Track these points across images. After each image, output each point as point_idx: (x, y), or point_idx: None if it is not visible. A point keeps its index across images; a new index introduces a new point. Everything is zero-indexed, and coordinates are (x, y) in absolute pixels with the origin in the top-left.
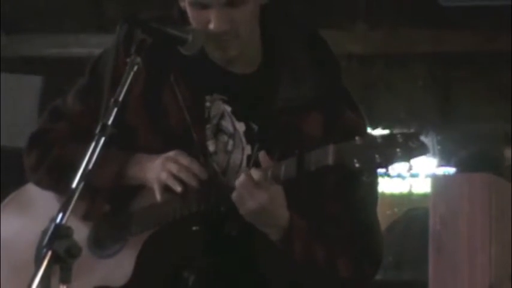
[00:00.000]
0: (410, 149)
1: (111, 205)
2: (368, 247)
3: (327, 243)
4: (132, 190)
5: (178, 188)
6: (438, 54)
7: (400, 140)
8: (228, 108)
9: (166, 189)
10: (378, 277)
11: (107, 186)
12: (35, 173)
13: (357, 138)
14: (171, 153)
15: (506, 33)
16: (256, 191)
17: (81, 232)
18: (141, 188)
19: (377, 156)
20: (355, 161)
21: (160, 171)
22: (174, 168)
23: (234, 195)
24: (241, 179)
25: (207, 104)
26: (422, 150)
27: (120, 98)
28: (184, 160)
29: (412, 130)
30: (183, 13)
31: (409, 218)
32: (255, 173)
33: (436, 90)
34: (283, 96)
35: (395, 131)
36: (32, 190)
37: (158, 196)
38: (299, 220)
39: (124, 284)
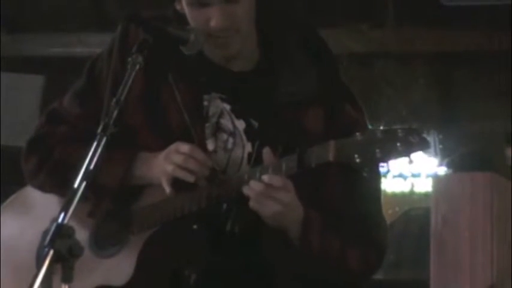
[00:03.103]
0: (410, 144)
1: (115, 205)
2: (373, 239)
3: (340, 235)
4: (135, 190)
5: (190, 178)
6: (439, 53)
7: (401, 134)
8: (227, 107)
9: (174, 182)
10: (379, 276)
11: (114, 186)
12: (35, 177)
13: (357, 133)
14: (173, 146)
15: (506, 33)
16: (279, 192)
17: (82, 232)
18: (143, 187)
19: (377, 151)
20: (356, 156)
21: (165, 164)
22: (178, 159)
23: (253, 203)
24: (255, 186)
25: (205, 102)
26: (422, 145)
27: (122, 98)
28: (186, 148)
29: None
30: (179, 16)
31: (408, 217)
32: (274, 178)
33: (437, 89)
34: (282, 92)
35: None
36: (33, 191)
37: (167, 189)
38: (313, 212)
39: (125, 283)
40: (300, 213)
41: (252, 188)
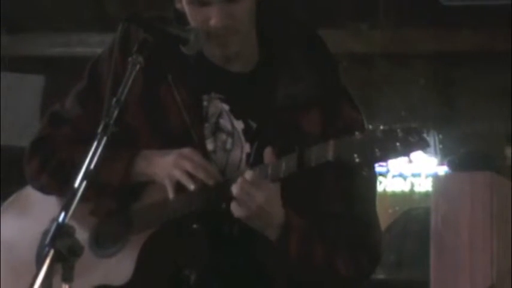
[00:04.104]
0: (410, 144)
1: (117, 203)
2: (367, 243)
3: (326, 241)
4: (136, 189)
5: (191, 186)
6: (439, 53)
7: (400, 134)
8: (226, 107)
9: (177, 186)
10: (380, 276)
11: (115, 184)
12: (38, 179)
13: (356, 133)
14: (185, 151)
15: (506, 33)
16: (255, 191)
17: (82, 231)
18: (144, 186)
19: (377, 150)
20: (355, 156)
21: (173, 168)
22: (188, 165)
23: (233, 205)
24: (237, 185)
25: (205, 103)
26: (422, 144)
27: (123, 98)
28: (199, 158)
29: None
30: (180, 15)
31: (409, 217)
32: (249, 174)
33: (437, 89)
34: (281, 93)
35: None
36: (33, 191)
37: (171, 194)
38: (295, 218)
39: (125, 283)
40: (279, 218)
41: (234, 189)
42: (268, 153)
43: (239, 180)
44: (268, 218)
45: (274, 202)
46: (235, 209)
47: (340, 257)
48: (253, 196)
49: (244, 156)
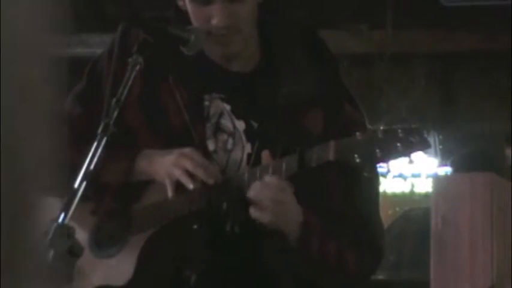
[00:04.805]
0: (411, 144)
1: (118, 203)
2: (369, 241)
3: (336, 238)
4: (137, 189)
5: (190, 185)
6: (439, 53)
7: (401, 134)
8: (227, 107)
9: (176, 186)
10: (379, 277)
11: (116, 183)
12: None
13: (357, 133)
14: (186, 150)
15: (506, 33)
16: (280, 194)
17: (82, 232)
18: (144, 187)
19: (377, 150)
20: (356, 156)
21: (173, 167)
22: (188, 164)
23: (257, 213)
24: (259, 190)
25: (206, 103)
26: (423, 145)
27: (123, 98)
28: (199, 158)
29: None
30: (181, 13)
31: (409, 218)
32: (271, 179)
33: (438, 90)
34: (283, 93)
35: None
36: None
37: (170, 193)
38: (311, 215)
39: (125, 284)
40: (298, 216)
41: (254, 191)
42: (265, 155)
43: (260, 185)
44: (289, 216)
45: (294, 200)
46: (259, 216)
47: (348, 254)
48: (279, 200)
49: (245, 156)
